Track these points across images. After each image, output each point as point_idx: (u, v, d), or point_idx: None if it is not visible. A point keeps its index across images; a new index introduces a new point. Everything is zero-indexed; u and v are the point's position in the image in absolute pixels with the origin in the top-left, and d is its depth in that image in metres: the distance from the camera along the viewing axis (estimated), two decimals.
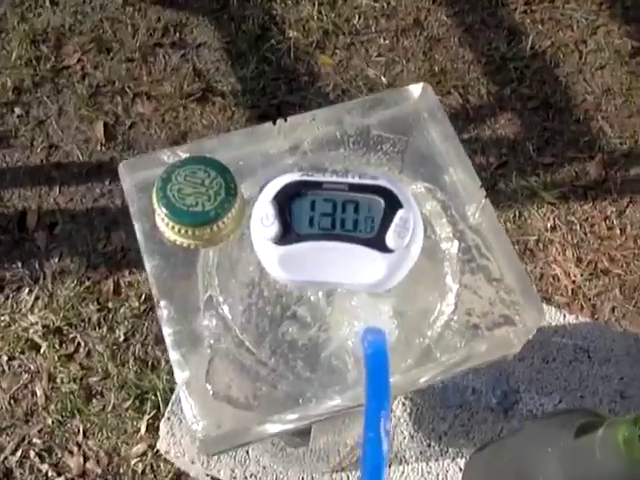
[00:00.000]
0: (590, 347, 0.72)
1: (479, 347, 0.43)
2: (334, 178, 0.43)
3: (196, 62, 1.66)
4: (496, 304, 0.44)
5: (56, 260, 1.44)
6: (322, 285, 0.43)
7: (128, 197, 0.49)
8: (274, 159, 0.49)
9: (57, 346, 1.36)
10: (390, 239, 0.41)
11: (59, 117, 1.58)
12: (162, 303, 0.44)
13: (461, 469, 0.67)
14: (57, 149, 1.55)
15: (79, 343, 1.36)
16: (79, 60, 1.64)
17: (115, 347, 1.36)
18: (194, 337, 0.43)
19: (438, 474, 0.66)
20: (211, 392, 0.42)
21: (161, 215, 0.42)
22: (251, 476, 0.67)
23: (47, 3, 1.70)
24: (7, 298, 1.40)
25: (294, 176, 0.43)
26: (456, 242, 0.46)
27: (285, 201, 0.42)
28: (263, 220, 0.42)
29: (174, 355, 0.43)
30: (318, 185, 0.43)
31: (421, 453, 0.67)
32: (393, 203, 0.42)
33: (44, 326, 1.37)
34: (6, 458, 1.28)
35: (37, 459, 1.28)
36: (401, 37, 1.71)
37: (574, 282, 1.46)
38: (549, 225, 1.51)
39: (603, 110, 1.65)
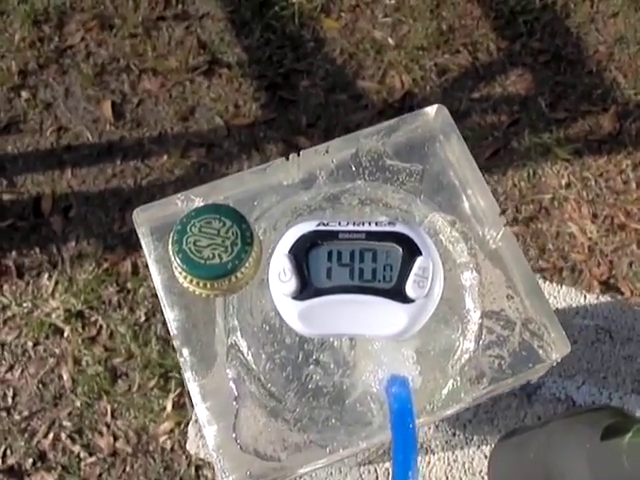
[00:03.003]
0: (612, 327, 0.72)
1: (504, 383, 0.43)
2: (350, 227, 0.42)
3: (200, 34, 1.64)
4: (520, 338, 0.44)
5: (73, 244, 1.45)
6: (344, 336, 0.43)
7: (145, 246, 0.48)
8: (289, 196, 0.48)
9: (80, 329, 1.37)
10: (410, 289, 0.41)
11: (66, 98, 1.57)
12: (185, 352, 0.44)
13: (486, 456, 0.68)
14: (67, 131, 1.55)
15: (101, 325, 1.38)
16: (82, 39, 1.62)
17: (137, 327, 1.37)
18: (220, 389, 0.43)
19: (464, 462, 0.67)
20: (239, 446, 0.42)
21: (178, 269, 0.42)
22: None
23: None
24: (28, 284, 1.41)
25: (309, 226, 0.43)
26: (476, 274, 0.45)
27: (301, 253, 0.42)
28: (280, 276, 0.41)
29: (201, 409, 0.43)
30: (334, 235, 0.42)
31: (446, 442, 0.68)
32: (412, 250, 0.41)
33: (66, 310, 1.38)
34: (39, 441, 1.31)
35: (68, 441, 1.31)
36: None
37: (590, 239, 1.45)
38: (564, 182, 1.50)
39: (616, 60, 1.62)
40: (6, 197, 1.48)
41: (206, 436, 0.42)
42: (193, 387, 0.44)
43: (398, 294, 0.41)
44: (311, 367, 0.43)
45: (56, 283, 1.41)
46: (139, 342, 1.36)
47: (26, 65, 1.59)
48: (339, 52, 1.62)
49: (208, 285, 0.42)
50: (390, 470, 0.67)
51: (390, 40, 1.62)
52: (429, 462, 0.68)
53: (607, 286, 1.42)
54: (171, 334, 0.45)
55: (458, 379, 0.43)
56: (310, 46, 1.62)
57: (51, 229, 1.46)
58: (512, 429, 0.66)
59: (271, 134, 1.54)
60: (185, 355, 0.44)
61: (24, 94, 1.57)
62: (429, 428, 0.68)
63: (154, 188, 1.49)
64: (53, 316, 1.39)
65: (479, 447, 0.68)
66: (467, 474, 0.67)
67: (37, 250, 1.44)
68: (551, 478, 0.52)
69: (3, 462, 1.30)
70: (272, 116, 1.55)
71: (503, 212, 0.46)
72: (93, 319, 1.38)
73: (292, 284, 0.41)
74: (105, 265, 1.43)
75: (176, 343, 0.44)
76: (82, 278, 1.41)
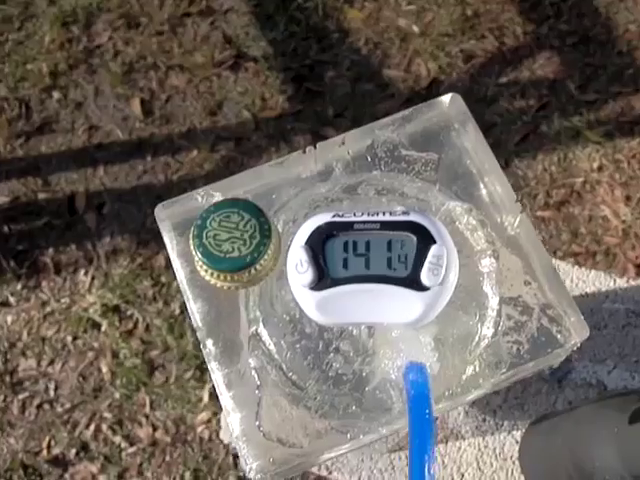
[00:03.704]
0: None
1: (524, 367, 0.43)
2: (365, 217, 0.43)
3: (225, 29, 1.65)
4: (539, 323, 0.44)
5: (107, 240, 1.47)
6: (361, 324, 0.44)
7: (167, 241, 0.49)
8: (307, 188, 0.49)
9: (117, 323, 1.40)
10: (425, 277, 0.41)
11: (96, 97, 1.60)
12: (209, 342, 0.45)
13: (517, 442, 0.68)
14: (97, 130, 1.57)
15: (137, 319, 1.40)
16: (110, 38, 1.64)
17: (172, 320, 1.40)
18: (243, 378, 0.44)
19: (495, 448, 0.68)
20: (262, 433, 0.43)
21: (199, 262, 0.43)
22: None
23: None
24: (65, 280, 1.44)
25: (325, 217, 0.43)
26: (494, 261, 0.45)
27: (318, 245, 0.42)
28: (298, 267, 0.42)
29: (226, 398, 0.44)
30: (349, 225, 0.42)
31: (477, 428, 0.69)
32: (426, 239, 0.41)
33: (102, 305, 1.41)
34: (81, 432, 1.34)
35: (109, 432, 1.34)
36: None
37: (624, 222, 1.43)
38: (595, 165, 1.48)
39: None
40: (41, 196, 1.52)
41: (230, 424, 0.43)
42: (217, 377, 0.45)
43: (413, 282, 0.41)
44: (331, 355, 0.44)
45: (92, 278, 1.44)
46: (175, 334, 1.38)
47: (56, 66, 1.62)
48: (364, 42, 1.62)
49: (228, 277, 0.43)
50: None
51: (415, 28, 1.62)
52: (460, 448, 0.68)
53: None
54: (194, 326, 0.46)
55: (477, 365, 0.43)
56: (335, 37, 1.63)
57: (86, 226, 1.49)
58: (542, 414, 0.67)
59: (299, 126, 1.55)
60: (209, 346, 0.45)
61: (55, 95, 1.60)
62: (459, 414, 0.69)
63: (184, 183, 1.51)
64: (90, 311, 1.42)
65: (510, 432, 0.68)
66: (498, 459, 0.68)
67: (73, 247, 1.47)
68: (580, 463, 0.52)
69: (48, 452, 1.33)
70: (299, 108, 1.56)
71: (520, 199, 0.46)
72: (129, 313, 1.41)
73: (309, 275, 0.42)
74: (139, 260, 1.45)
75: (200, 335, 0.45)
76: (117, 273, 1.44)
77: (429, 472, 0.36)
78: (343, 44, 1.62)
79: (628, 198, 1.45)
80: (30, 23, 1.68)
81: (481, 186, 0.49)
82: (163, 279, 1.43)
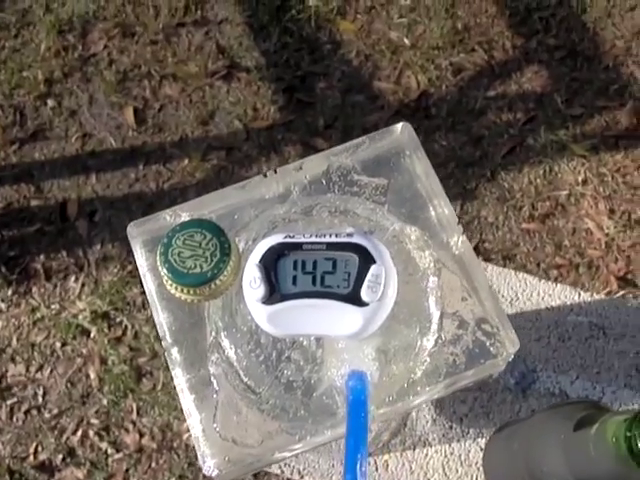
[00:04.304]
0: (605, 323, 0.74)
1: (461, 377, 0.45)
2: (313, 238, 0.46)
3: (219, 39, 1.67)
4: (474, 337, 0.47)
5: (98, 247, 1.49)
6: (308, 336, 0.47)
7: (137, 257, 0.53)
8: (266, 209, 0.52)
9: (106, 330, 1.42)
10: (364, 294, 0.44)
11: (90, 105, 1.62)
12: (173, 350, 0.48)
13: (482, 449, 0.70)
14: (91, 137, 1.59)
15: (126, 326, 1.42)
16: (105, 46, 1.67)
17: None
18: (203, 383, 0.47)
19: (460, 455, 0.70)
20: (218, 434, 0.46)
21: (165, 277, 0.47)
22: (285, 465, 0.72)
23: None
24: (55, 287, 1.46)
25: (277, 238, 0.47)
26: (436, 278, 0.48)
27: (270, 263, 0.46)
28: (251, 283, 0.46)
29: (187, 402, 0.47)
30: (299, 246, 0.46)
31: (443, 435, 0.71)
32: (367, 259, 0.45)
33: (92, 311, 1.43)
34: (68, 438, 1.36)
35: (96, 438, 1.36)
36: None
37: (607, 235, 1.45)
38: (580, 179, 1.50)
39: (634, 54, 1.62)
40: (34, 202, 1.54)
41: (190, 425, 0.47)
42: (180, 382, 0.48)
43: (354, 298, 0.45)
44: (283, 363, 0.47)
45: (82, 285, 1.46)
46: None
47: (52, 74, 1.64)
48: (355, 54, 1.64)
49: (191, 291, 0.46)
50: (389, 462, 0.70)
51: (406, 40, 1.64)
52: (427, 454, 0.70)
53: (625, 282, 1.42)
54: (160, 335, 0.49)
55: (416, 374, 0.46)
56: (327, 48, 1.65)
57: (77, 233, 1.51)
58: (505, 422, 0.68)
59: (289, 136, 1.57)
60: (174, 354, 0.48)
61: (50, 102, 1.62)
62: (427, 422, 0.71)
63: (175, 191, 1.53)
64: (80, 317, 1.43)
65: (475, 440, 0.70)
66: (463, 465, 0.70)
67: (64, 253, 1.49)
68: (531, 466, 0.55)
69: (35, 458, 1.35)
70: (290, 118, 1.58)
71: (459, 221, 0.50)
72: (118, 320, 1.43)
73: (261, 290, 0.46)
74: (129, 267, 1.47)
75: (165, 343, 0.48)
76: (107, 280, 1.46)
77: (361, 469, 0.40)
78: (335, 56, 1.64)
79: (612, 211, 1.47)
80: (27, 31, 1.70)
81: (430, 208, 0.52)
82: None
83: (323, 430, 0.46)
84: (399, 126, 0.55)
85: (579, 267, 1.43)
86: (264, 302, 0.46)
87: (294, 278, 0.46)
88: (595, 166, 1.51)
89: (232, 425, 0.46)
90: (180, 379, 0.48)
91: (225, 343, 0.48)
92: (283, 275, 0.46)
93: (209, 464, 0.46)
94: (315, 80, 1.62)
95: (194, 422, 0.47)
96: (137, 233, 0.54)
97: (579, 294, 0.74)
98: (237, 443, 0.46)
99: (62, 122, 1.61)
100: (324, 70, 1.63)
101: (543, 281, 0.76)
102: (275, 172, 0.54)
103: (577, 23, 1.65)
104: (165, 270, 0.46)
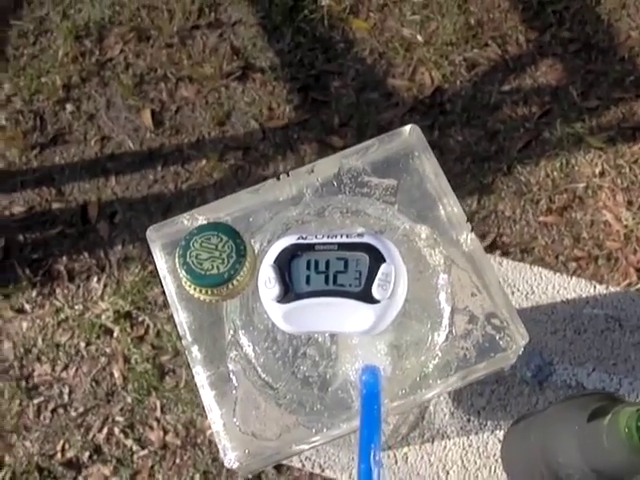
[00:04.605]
0: (621, 316, 0.74)
1: (473, 370, 0.47)
2: (325, 239, 0.48)
3: (233, 40, 1.69)
4: (484, 331, 0.48)
5: (119, 248, 1.52)
6: (323, 333, 0.49)
7: (157, 259, 0.55)
8: (280, 212, 0.54)
9: (128, 329, 1.44)
10: (375, 291, 0.46)
11: (108, 109, 1.64)
12: (194, 349, 0.50)
13: (500, 441, 0.71)
14: (109, 140, 1.62)
15: (148, 325, 1.44)
16: (121, 51, 1.69)
17: None
18: (222, 380, 0.50)
19: (478, 447, 0.71)
20: (238, 428, 0.48)
21: (184, 279, 0.49)
22: (306, 459, 0.73)
23: None
24: (78, 288, 1.49)
25: (291, 239, 0.49)
26: (447, 275, 0.50)
27: (284, 263, 0.48)
28: (266, 283, 0.48)
29: (207, 397, 0.49)
30: (311, 247, 0.48)
31: (462, 428, 0.72)
32: (377, 258, 0.47)
33: (115, 311, 1.45)
34: (94, 436, 1.39)
35: (122, 435, 1.38)
36: None
37: (626, 226, 1.45)
38: (597, 171, 1.50)
39: None
40: (55, 206, 1.56)
41: (211, 420, 0.49)
42: (201, 379, 0.50)
43: (366, 296, 0.46)
44: (299, 360, 0.49)
45: (105, 286, 1.49)
46: None
47: (70, 79, 1.67)
48: (369, 52, 1.65)
49: (209, 292, 0.49)
50: (408, 455, 0.71)
51: (419, 37, 1.65)
52: (445, 447, 0.71)
53: None
54: (181, 334, 0.51)
55: (428, 368, 0.47)
56: (340, 47, 1.66)
57: (98, 235, 1.53)
58: (521, 415, 0.69)
59: (305, 135, 1.58)
60: (194, 352, 0.51)
61: (69, 107, 1.65)
62: (444, 415, 0.72)
63: (194, 192, 1.55)
64: (103, 317, 1.46)
65: (493, 432, 0.71)
66: (482, 457, 0.71)
67: (86, 255, 1.51)
68: (547, 457, 0.56)
69: (62, 455, 1.38)
70: (305, 117, 1.60)
71: (469, 219, 0.51)
72: (140, 319, 1.45)
73: (276, 290, 0.47)
74: (150, 267, 1.49)
75: (185, 342, 0.50)
76: (129, 280, 1.48)
77: (374, 458, 0.42)
78: (348, 54, 1.65)
79: (630, 203, 1.47)
80: (44, 38, 1.73)
81: (439, 207, 0.54)
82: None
83: (339, 423, 0.47)
84: (407, 128, 0.56)
85: (598, 259, 1.43)
86: (279, 301, 0.47)
87: (307, 277, 0.48)
88: (612, 158, 1.51)
89: (251, 419, 0.48)
90: (201, 376, 0.50)
91: (243, 341, 0.50)
92: (297, 275, 0.48)
93: (230, 457, 0.48)
94: (329, 79, 1.63)
95: (215, 417, 0.49)
96: (156, 237, 0.56)
97: (594, 287, 0.75)
98: (256, 436, 0.48)
99: (81, 126, 1.63)
100: (338, 69, 1.64)
101: (558, 274, 0.77)
102: (288, 175, 0.55)
103: (591, 15, 1.65)
104: (184, 272, 0.48)
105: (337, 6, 1.69)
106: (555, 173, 1.51)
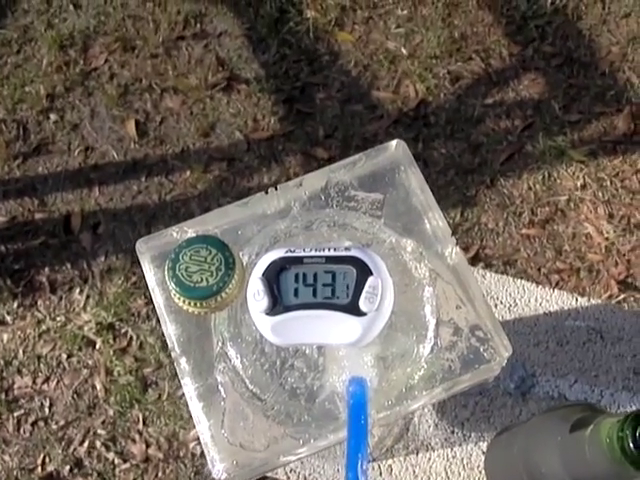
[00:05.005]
0: (602, 327, 0.75)
1: (458, 381, 0.47)
2: (313, 252, 0.49)
3: (219, 51, 1.69)
4: (468, 343, 0.49)
5: (102, 259, 1.51)
6: (310, 345, 0.50)
7: (146, 271, 0.55)
8: (268, 225, 0.54)
9: (111, 341, 1.43)
10: (362, 304, 0.47)
11: (92, 119, 1.64)
12: (182, 360, 0.50)
13: (483, 452, 0.71)
14: (93, 151, 1.61)
15: (131, 337, 1.44)
16: (106, 61, 1.69)
17: (165, 338, 1.42)
18: (210, 391, 0.50)
19: (462, 458, 0.71)
20: (226, 439, 0.48)
21: (173, 291, 0.49)
22: (291, 471, 0.73)
23: (71, 7, 1.75)
24: (61, 299, 1.48)
25: (279, 253, 0.49)
26: (431, 288, 0.51)
27: (272, 276, 0.48)
28: (255, 295, 0.48)
29: (196, 409, 0.50)
30: (299, 260, 0.49)
31: (446, 440, 0.72)
32: (364, 271, 0.47)
33: (97, 323, 1.44)
34: (75, 449, 1.37)
35: (103, 448, 1.37)
36: (419, 6, 1.71)
37: (607, 239, 1.47)
38: (579, 184, 1.52)
39: (630, 60, 1.63)
40: (38, 216, 1.55)
41: (199, 432, 0.49)
42: (189, 390, 0.51)
43: (353, 309, 0.47)
44: (287, 371, 0.50)
45: (87, 297, 1.48)
46: (167, 352, 1.41)
47: (54, 89, 1.66)
48: (354, 64, 1.66)
49: (198, 304, 0.49)
50: (392, 466, 0.71)
51: (403, 50, 1.66)
52: (429, 458, 0.71)
53: (625, 285, 1.44)
54: (170, 346, 0.51)
55: (414, 379, 0.48)
56: (325, 59, 1.67)
57: (81, 245, 1.52)
58: (505, 426, 0.70)
59: (290, 146, 1.59)
60: (183, 364, 0.51)
61: (52, 116, 1.64)
62: (429, 426, 0.72)
63: (178, 203, 1.54)
64: (85, 329, 1.45)
65: (477, 443, 0.72)
66: (466, 469, 0.71)
67: (68, 266, 1.51)
68: (529, 468, 0.56)
69: (42, 469, 1.36)
70: (290, 129, 1.60)
71: (453, 233, 0.52)
72: (123, 331, 1.44)
73: (265, 302, 0.48)
74: (133, 279, 1.48)
75: (174, 354, 0.50)
76: (112, 292, 1.47)
77: (362, 467, 0.42)
78: (333, 66, 1.66)
79: (611, 216, 1.48)
80: (28, 46, 1.72)
81: (425, 221, 0.54)
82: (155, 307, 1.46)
83: (326, 434, 0.48)
84: (394, 143, 0.57)
85: (580, 271, 1.44)
86: (267, 313, 0.48)
87: (295, 290, 0.48)
88: (594, 171, 1.52)
89: (239, 430, 0.49)
90: (189, 387, 0.51)
91: (231, 353, 0.50)
92: (285, 287, 0.48)
93: (218, 468, 0.48)
94: (314, 91, 1.64)
95: (203, 428, 0.49)
96: (145, 249, 0.56)
97: (576, 299, 0.76)
98: (244, 448, 0.48)
99: (65, 136, 1.63)
100: (323, 81, 1.65)
101: (541, 287, 0.78)
102: (276, 189, 0.56)
103: (573, 30, 1.67)
104: (173, 284, 0.49)
105: (322, 18, 1.70)
106: (537, 186, 1.52)
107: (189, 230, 0.55)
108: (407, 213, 0.54)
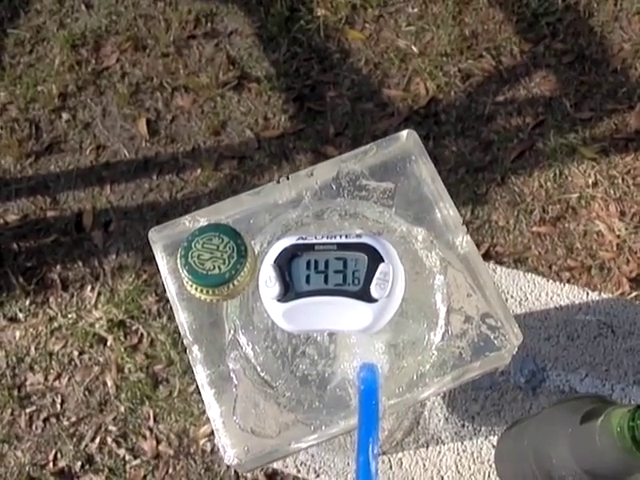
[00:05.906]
0: (613, 322, 0.75)
1: (468, 369, 0.47)
2: (324, 240, 0.49)
3: (229, 50, 1.70)
4: (479, 330, 0.49)
5: (114, 257, 1.52)
6: (322, 331, 0.50)
7: (159, 260, 0.55)
8: (280, 214, 0.55)
9: (122, 338, 1.44)
10: (374, 290, 0.47)
11: (104, 118, 1.65)
12: (194, 348, 0.51)
13: (494, 446, 0.71)
14: (105, 149, 1.62)
15: (142, 334, 1.44)
16: (118, 60, 1.70)
17: (176, 335, 1.43)
18: (222, 378, 0.50)
19: (472, 452, 0.71)
20: (238, 425, 0.49)
21: (185, 279, 0.50)
22: (301, 464, 0.73)
23: (82, 7, 1.76)
24: (72, 296, 1.49)
25: (291, 240, 0.50)
26: (442, 276, 0.51)
27: (284, 263, 0.49)
28: (267, 282, 0.49)
29: (208, 396, 0.50)
30: (311, 247, 0.49)
31: (456, 433, 0.72)
32: (375, 258, 0.48)
33: (108, 320, 1.45)
34: (87, 445, 1.38)
35: (114, 445, 1.37)
36: (429, 4, 1.71)
37: (618, 237, 1.46)
38: (590, 181, 1.51)
39: None
40: (50, 214, 1.56)
41: (211, 418, 0.49)
42: (201, 378, 0.51)
43: (364, 295, 0.47)
44: (298, 358, 0.50)
45: (98, 294, 1.48)
46: (178, 349, 1.42)
47: (66, 88, 1.67)
48: (364, 62, 1.66)
49: (211, 292, 0.49)
50: (402, 460, 0.71)
51: (414, 48, 1.66)
52: (440, 452, 0.71)
53: (637, 283, 1.43)
54: (182, 334, 0.51)
55: (424, 366, 0.48)
56: (336, 57, 1.67)
57: (93, 243, 1.53)
58: (515, 420, 0.70)
59: (300, 144, 1.59)
60: (195, 351, 0.51)
61: (64, 115, 1.65)
62: (439, 420, 0.72)
63: (189, 201, 1.55)
64: (97, 326, 1.45)
65: (487, 437, 0.72)
66: (476, 463, 0.71)
67: (80, 263, 1.51)
68: (541, 461, 0.56)
69: (54, 465, 1.37)
70: (301, 127, 1.60)
71: (464, 223, 0.53)
72: (134, 328, 1.45)
73: (276, 289, 0.48)
74: (144, 276, 1.49)
75: (186, 341, 0.51)
76: (123, 289, 1.48)
77: (372, 452, 0.42)
78: (344, 64, 1.66)
79: (622, 213, 1.48)
80: (41, 46, 1.73)
81: (436, 210, 0.54)
82: (167, 295, 1.47)
83: (337, 421, 0.48)
84: (405, 133, 0.57)
85: (591, 269, 1.43)
86: (279, 300, 0.48)
87: (307, 277, 0.48)
88: (605, 169, 1.52)
89: (251, 417, 0.49)
90: (201, 375, 0.51)
91: (243, 340, 0.51)
92: (297, 274, 0.49)
93: (230, 454, 0.48)
94: (325, 89, 1.64)
95: (215, 415, 0.50)
96: (158, 238, 0.56)
97: (587, 294, 0.76)
98: (256, 434, 0.48)
99: (76, 135, 1.64)
100: (334, 79, 1.65)
101: (551, 281, 0.78)
102: (287, 179, 0.56)
103: (584, 27, 1.66)
104: (186, 272, 0.49)
105: (333, 17, 1.70)
106: (548, 183, 1.52)
107: (201, 219, 0.56)
108: (418, 202, 0.54)
